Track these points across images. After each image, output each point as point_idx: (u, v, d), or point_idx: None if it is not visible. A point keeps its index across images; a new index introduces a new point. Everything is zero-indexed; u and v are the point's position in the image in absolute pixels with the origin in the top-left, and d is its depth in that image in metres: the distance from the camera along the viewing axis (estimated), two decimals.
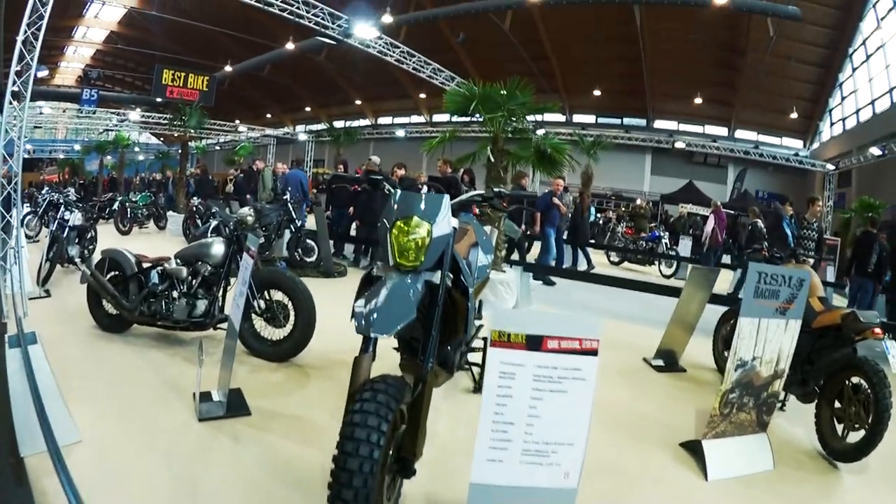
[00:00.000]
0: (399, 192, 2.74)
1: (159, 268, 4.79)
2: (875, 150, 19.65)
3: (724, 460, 3.39)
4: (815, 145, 29.39)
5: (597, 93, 28.70)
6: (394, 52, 21.75)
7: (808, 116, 28.63)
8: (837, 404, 3.92)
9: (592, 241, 15.28)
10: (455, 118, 8.15)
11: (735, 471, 3.38)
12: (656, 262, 14.38)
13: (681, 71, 26.28)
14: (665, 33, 24.24)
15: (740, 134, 29.77)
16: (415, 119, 36.80)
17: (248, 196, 12.76)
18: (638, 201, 23.73)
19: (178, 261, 4.75)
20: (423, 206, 2.60)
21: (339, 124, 33.79)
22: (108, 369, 4.15)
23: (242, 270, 3.63)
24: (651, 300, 7.70)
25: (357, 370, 2.29)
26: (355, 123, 36.85)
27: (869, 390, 3.66)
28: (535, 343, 2.06)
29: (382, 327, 2.30)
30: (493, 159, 7.31)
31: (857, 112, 24.54)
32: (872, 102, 22.92)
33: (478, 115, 7.30)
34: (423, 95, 32.54)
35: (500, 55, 26.51)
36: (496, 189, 3.30)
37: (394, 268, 2.54)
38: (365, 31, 19.02)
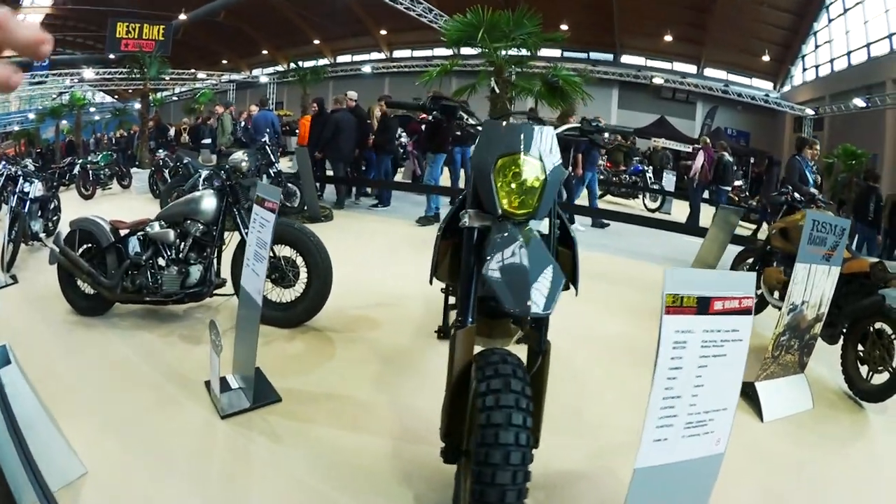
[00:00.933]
0: (492, 121, 2.22)
1: (140, 233, 3.97)
2: (859, 102, 19.74)
3: (774, 401, 3.49)
4: (787, 88, 29.55)
5: (564, 27, 27.83)
6: None
7: (780, 60, 28.59)
8: (861, 347, 4.05)
9: None
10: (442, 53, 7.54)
11: (784, 411, 3.47)
12: (640, 196, 14.18)
13: (652, 7, 25.74)
14: None
15: (710, 72, 29.43)
16: (375, 56, 35.88)
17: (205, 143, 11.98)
18: (606, 135, 23.27)
19: (162, 222, 3.93)
20: (531, 139, 2.04)
21: (293, 66, 32.77)
22: (95, 365, 3.39)
23: (258, 228, 2.92)
24: (653, 235, 7.97)
25: (463, 347, 1.89)
26: (312, 63, 35.45)
27: (893, 336, 3.78)
28: (703, 306, 1.80)
29: (545, 303, 1.73)
30: (497, 90, 6.75)
31: (831, 61, 24.86)
32: (848, 54, 23.34)
33: (478, 47, 6.73)
34: (383, 32, 31.78)
35: None
36: (594, 122, 2.62)
37: (501, 218, 1.98)
38: None
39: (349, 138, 8.97)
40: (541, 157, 2.02)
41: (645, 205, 13.67)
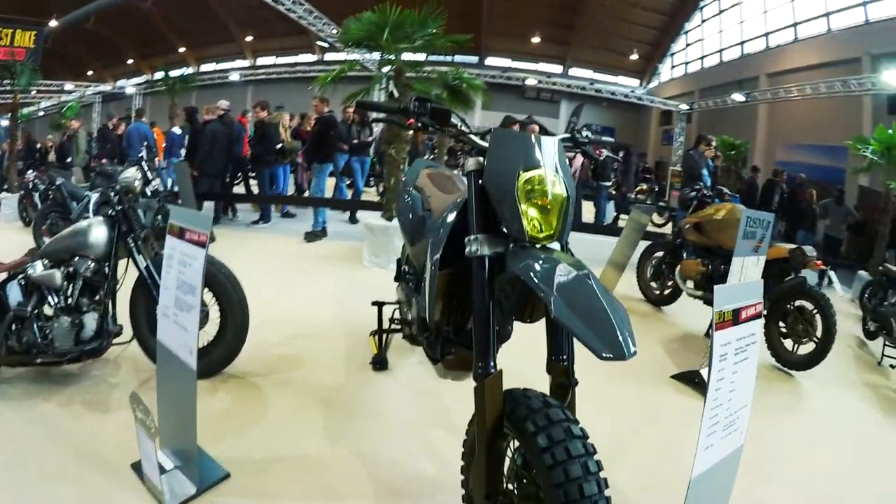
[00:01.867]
0: (504, 131, 2.01)
1: (20, 277, 3.23)
2: (738, 96, 20.99)
3: None
4: (654, 84, 31.51)
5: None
6: None
7: (648, 58, 30.49)
8: (782, 324, 4.77)
9: None
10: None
11: None
12: None
13: (520, 10, 26.49)
14: None
15: (575, 72, 30.81)
16: (239, 63, 35.08)
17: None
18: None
19: (45, 261, 3.21)
20: (551, 152, 1.89)
21: (161, 75, 30.72)
22: None
23: (179, 268, 2.36)
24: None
25: (492, 398, 1.71)
26: (178, 72, 33.55)
27: (815, 310, 4.56)
28: (736, 317, 1.79)
29: (633, 341, 1.55)
30: (396, 95, 6.42)
31: (702, 58, 27.16)
32: (721, 51, 25.54)
33: (377, 49, 6.46)
34: (249, 38, 31.21)
35: None
36: (585, 132, 2.33)
37: (525, 243, 1.83)
38: None
39: (222, 150, 8.39)
40: (563, 172, 1.88)
41: None
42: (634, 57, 29.04)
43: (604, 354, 1.50)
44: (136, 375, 3.38)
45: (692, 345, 5.01)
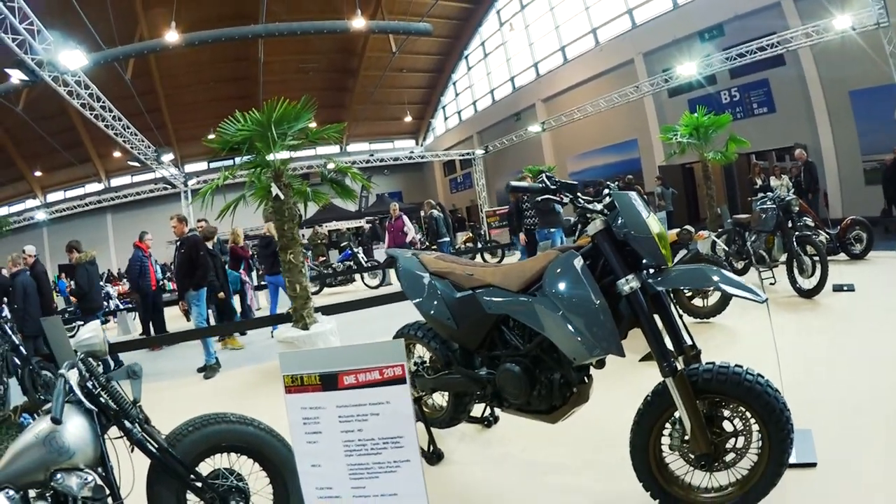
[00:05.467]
0: (622, 193, 2.59)
1: None
2: (535, 128, 22.66)
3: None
4: (430, 140, 33.50)
5: (211, 136, 27.12)
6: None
7: (420, 117, 32.31)
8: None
9: None
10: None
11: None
12: (359, 278, 14.45)
13: (295, 98, 26.70)
14: (279, 65, 24.40)
15: (353, 147, 31.72)
16: (92, 188, 30.74)
17: None
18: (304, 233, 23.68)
19: (8, 492, 2.07)
20: (643, 205, 2.58)
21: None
22: None
23: (361, 424, 2.02)
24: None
25: (683, 385, 2.38)
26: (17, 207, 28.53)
27: None
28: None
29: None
30: (282, 197, 6.04)
31: (474, 103, 29.37)
32: (492, 91, 27.97)
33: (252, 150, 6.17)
34: (38, 174, 27.43)
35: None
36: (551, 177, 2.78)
37: (659, 269, 2.51)
38: (72, 59, 12.22)
39: (37, 305, 7.24)
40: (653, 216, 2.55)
41: (366, 284, 13.97)
42: (409, 119, 30.66)
43: (757, 299, 2.31)
44: None
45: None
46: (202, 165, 28.66)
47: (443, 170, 33.51)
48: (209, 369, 6.74)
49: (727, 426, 2.40)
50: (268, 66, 24.48)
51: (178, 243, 7.68)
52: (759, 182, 12.24)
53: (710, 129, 10.14)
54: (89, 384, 2.30)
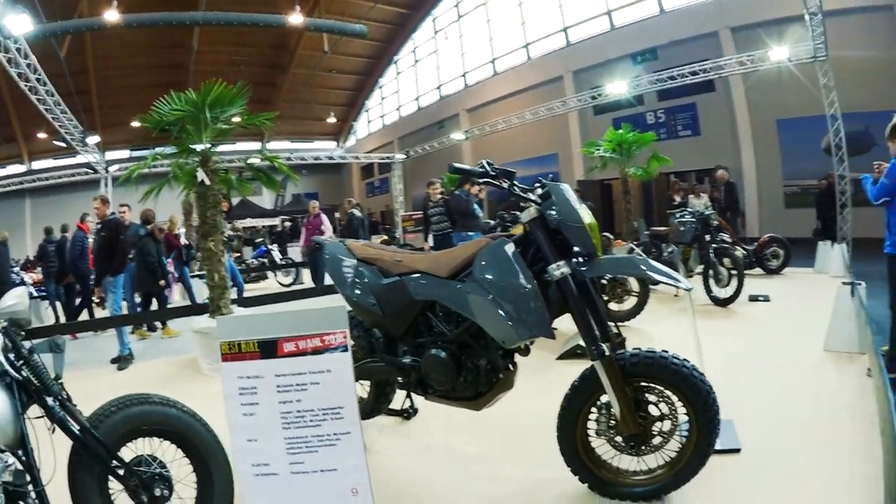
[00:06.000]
0: (558, 185, 2.65)
1: None
2: (458, 135, 22.52)
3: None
4: (351, 142, 33.36)
5: (135, 124, 26.00)
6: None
7: (344, 119, 32.08)
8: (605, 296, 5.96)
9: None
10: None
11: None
12: (273, 275, 14.24)
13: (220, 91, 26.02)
14: (212, 55, 23.66)
15: (274, 145, 30.93)
16: (13, 170, 27.60)
17: None
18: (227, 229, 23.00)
19: None
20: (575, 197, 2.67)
21: None
22: None
23: (300, 394, 1.95)
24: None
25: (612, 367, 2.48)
26: None
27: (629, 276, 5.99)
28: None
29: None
30: (207, 182, 5.82)
31: (398, 108, 29.40)
32: (418, 98, 27.94)
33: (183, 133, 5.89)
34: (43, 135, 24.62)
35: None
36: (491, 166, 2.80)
37: (590, 257, 2.55)
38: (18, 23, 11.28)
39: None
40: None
41: (279, 282, 13.73)
42: (332, 120, 30.41)
43: (682, 286, 2.48)
44: None
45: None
46: (125, 153, 27.25)
47: (360, 173, 33.47)
48: (123, 360, 6.33)
49: (654, 410, 2.46)
50: (201, 56, 23.69)
51: (99, 226, 7.22)
52: (678, 199, 12.77)
53: (633, 146, 10.40)
54: (10, 355, 2.03)
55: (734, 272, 6.63)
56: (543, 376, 3.33)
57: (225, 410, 2.03)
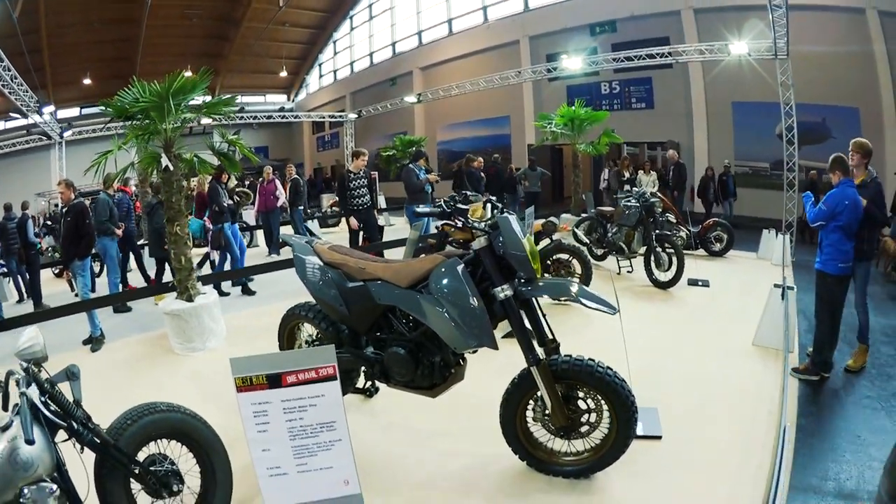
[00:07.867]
0: (506, 217, 3.11)
1: None
2: (410, 98, 21.26)
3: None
4: (302, 97, 32.70)
5: (87, 81, 25.08)
6: None
7: (295, 73, 31.41)
8: (548, 274, 6.48)
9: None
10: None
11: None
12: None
13: (174, 47, 25.34)
14: (165, 9, 22.90)
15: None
16: None
17: None
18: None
19: None
20: (519, 227, 3.13)
21: None
22: None
23: (300, 414, 2.56)
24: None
25: (546, 372, 2.99)
26: None
27: (569, 258, 6.68)
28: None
29: (615, 303, 3.04)
30: (171, 168, 5.95)
31: (351, 63, 28.78)
32: (371, 54, 27.36)
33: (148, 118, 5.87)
34: None
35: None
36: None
37: (529, 280, 3.05)
38: None
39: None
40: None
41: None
42: (283, 74, 29.81)
43: (609, 312, 2.86)
44: None
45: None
46: (75, 111, 26.36)
47: (312, 127, 33.05)
48: (95, 341, 6.48)
49: (581, 405, 3.01)
50: (154, 10, 22.62)
51: (65, 210, 7.29)
52: (627, 175, 13.25)
53: (585, 123, 10.71)
54: (36, 392, 2.29)
55: (675, 256, 7.07)
56: (490, 356, 3.65)
57: (243, 429, 2.52)
